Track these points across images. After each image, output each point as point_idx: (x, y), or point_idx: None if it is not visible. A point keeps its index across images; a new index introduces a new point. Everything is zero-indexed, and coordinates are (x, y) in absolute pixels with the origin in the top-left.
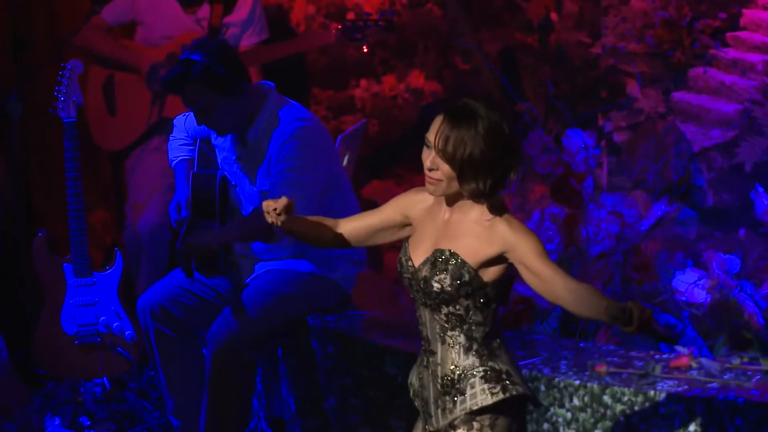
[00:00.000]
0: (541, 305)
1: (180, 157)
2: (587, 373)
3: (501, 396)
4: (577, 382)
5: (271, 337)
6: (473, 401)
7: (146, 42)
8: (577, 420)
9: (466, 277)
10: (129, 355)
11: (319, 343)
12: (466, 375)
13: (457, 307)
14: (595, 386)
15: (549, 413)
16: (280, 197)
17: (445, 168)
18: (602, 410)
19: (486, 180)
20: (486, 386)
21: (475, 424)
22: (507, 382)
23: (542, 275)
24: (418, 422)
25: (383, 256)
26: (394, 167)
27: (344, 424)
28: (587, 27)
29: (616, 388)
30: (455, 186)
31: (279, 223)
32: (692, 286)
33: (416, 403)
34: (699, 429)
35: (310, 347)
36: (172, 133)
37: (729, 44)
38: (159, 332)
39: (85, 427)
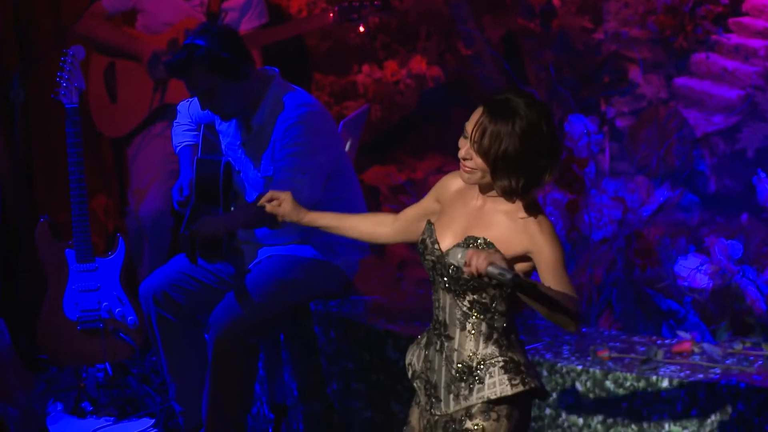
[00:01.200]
0: None
1: (184, 143)
2: (590, 358)
3: (521, 388)
4: (580, 368)
5: (273, 322)
6: (492, 390)
7: (147, 29)
8: (579, 405)
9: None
10: (131, 341)
11: (321, 328)
12: (485, 363)
13: (484, 295)
14: (598, 371)
15: (552, 398)
16: (285, 182)
17: (479, 161)
18: (604, 395)
19: (519, 179)
20: (506, 377)
21: (493, 414)
22: (525, 375)
23: (550, 285)
24: (414, 406)
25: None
26: (396, 153)
27: (346, 408)
28: (590, 12)
29: (618, 374)
30: (489, 179)
31: (278, 212)
32: (694, 271)
33: (416, 384)
34: (701, 414)
35: (312, 332)
36: (175, 119)
37: (731, 30)
38: (161, 318)
39: (88, 412)
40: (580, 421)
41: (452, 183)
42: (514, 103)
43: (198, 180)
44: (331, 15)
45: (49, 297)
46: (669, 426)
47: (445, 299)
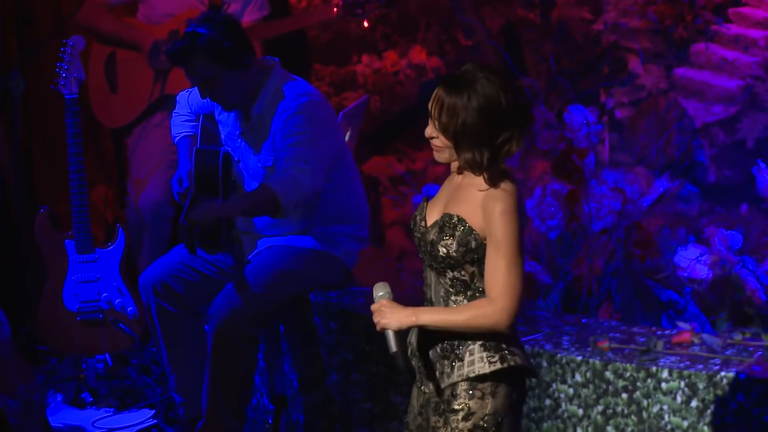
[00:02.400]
0: (543, 281)
1: (183, 133)
2: (589, 349)
3: (499, 366)
4: (579, 358)
5: (273, 313)
6: (471, 368)
7: (148, 20)
8: (579, 396)
9: (473, 244)
10: (131, 332)
11: (321, 319)
12: (465, 342)
13: (463, 272)
14: (597, 362)
15: (551, 389)
16: (287, 172)
17: (442, 137)
18: (604, 386)
19: (482, 151)
20: (485, 354)
21: (477, 393)
22: (506, 352)
23: (488, 265)
24: (414, 385)
25: (385, 232)
26: (396, 143)
27: (346, 399)
28: (589, 3)
29: (618, 364)
30: (459, 159)
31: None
32: (694, 262)
33: (413, 362)
34: (701, 405)
35: (312, 323)
36: (174, 109)
37: (731, 20)
38: (161, 308)
39: (88, 403)
40: (580, 411)
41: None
42: (469, 76)
43: (197, 171)
44: (335, 9)
45: (49, 288)
46: (669, 417)
47: (431, 277)
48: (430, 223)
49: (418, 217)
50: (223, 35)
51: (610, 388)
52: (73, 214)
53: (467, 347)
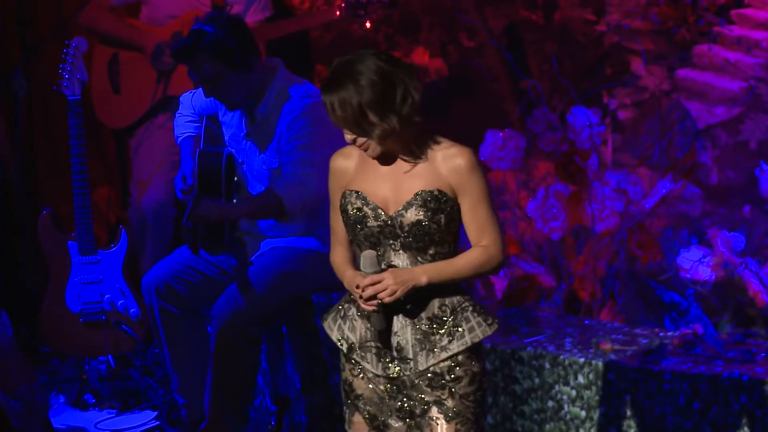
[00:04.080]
0: (545, 282)
1: (186, 134)
2: (592, 350)
3: (495, 326)
4: (582, 360)
5: (275, 314)
6: (473, 334)
7: (151, 21)
8: (581, 398)
9: (455, 213)
10: (134, 333)
11: None
12: (456, 310)
13: (444, 245)
14: (600, 364)
15: (554, 391)
16: (293, 175)
17: (359, 134)
18: (607, 388)
19: (390, 118)
20: (480, 318)
21: (473, 355)
22: (488, 311)
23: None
24: (355, 379)
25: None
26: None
27: None
28: (592, 4)
29: (620, 366)
30: (382, 140)
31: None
32: (697, 263)
33: (357, 356)
34: (703, 406)
35: (314, 324)
36: (178, 110)
37: (734, 21)
38: (164, 310)
39: (90, 404)
40: (583, 413)
41: (344, 164)
42: (337, 67)
43: (200, 172)
44: (338, 11)
45: (52, 289)
46: (671, 418)
47: (401, 258)
48: (395, 207)
49: (366, 208)
50: (228, 35)
51: (613, 389)
52: (75, 215)
53: (462, 315)
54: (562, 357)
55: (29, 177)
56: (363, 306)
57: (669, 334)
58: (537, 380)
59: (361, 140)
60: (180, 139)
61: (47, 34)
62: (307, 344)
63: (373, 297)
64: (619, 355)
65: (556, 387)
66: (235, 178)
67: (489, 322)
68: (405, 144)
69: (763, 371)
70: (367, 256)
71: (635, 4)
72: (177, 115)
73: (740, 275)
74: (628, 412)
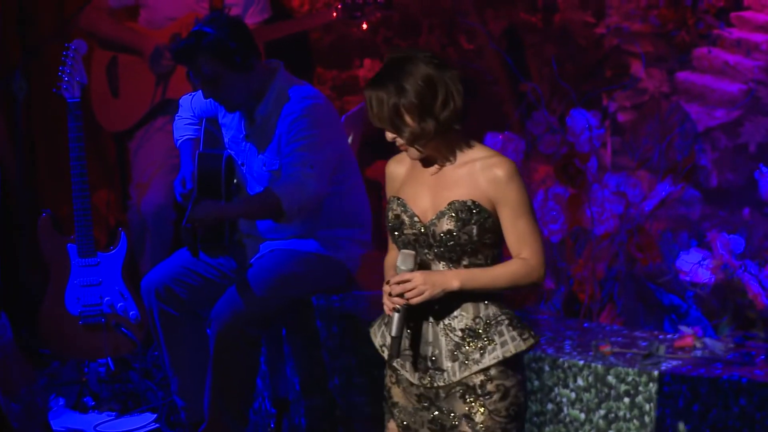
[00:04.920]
0: (545, 285)
1: (185, 137)
2: (591, 353)
3: (532, 341)
4: (582, 363)
5: (275, 316)
6: (505, 348)
7: (150, 24)
8: (581, 400)
9: (489, 223)
10: (133, 336)
11: (323, 322)
12: (491, 323)
13: (480, 257)
14: (600, 366)
15: (553, 393)
16: (293, 177)
17: (400, 135)
18: (606, 390)
19: (426, 125)
20: (515, 333)
21: (509, 371)
22: (528, 326)
23: (510, 233)
24: (392, 386)
25: (387, 235)
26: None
27: (348, 403)
28: (591, 6)
29: (620, 369)
30: (423, 142)
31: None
32: (696, 266)
33: (395, 364)
34: (703, 409)
35: (314, 327)
36: (177, 112)
37: (733, 24)
38: (163, 312)
39: (90, 407)
40: (582, 416)
41: (397, 169)
42: (387, 65)
43: (200, 174)
44: (335, 13)
45: (51, 291)
46: (671, 421)
47: (437, 269)
48: (431, 215)
49: (404, 216)
50: (228, 35)
51: (612, 392)
52: (75, 218)
53: (496, 328)
54: (561, 359)
55: (29, 179)
56: (385, 303)
57: (668, 336)
58: (536, 383)
59: (398, 141)
60: (179, 141)
61: (47, 35)
62: (307, 346)
63: (400, 296)
64: (619, 357)
65: (556, 389)
66: (235, 180)
67: (525, 336)
68: (445, 150)
69: (763, 374)
70: (405, 253)
71: (635, 6)
72: (176, 117)
73: (740, 278)
74: (628, 415)
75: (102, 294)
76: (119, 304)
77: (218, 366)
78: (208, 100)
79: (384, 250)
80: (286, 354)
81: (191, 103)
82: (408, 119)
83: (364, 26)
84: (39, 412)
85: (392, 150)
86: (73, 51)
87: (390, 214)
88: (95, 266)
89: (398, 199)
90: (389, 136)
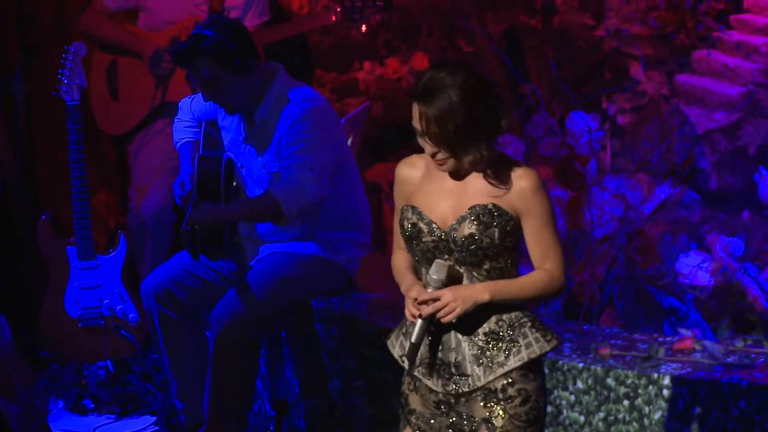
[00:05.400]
0: None
1: (185, 139)
2: (591, 355)
3: (555, 342)
4: (581, 365)
5: (274, 318)
6: (529, 350)
7: (149, 27)
8: (580, 403)
9: (510, 227)
10: (132, 338)
11: (323, 324)
12: (514, 326)
13: (500, 260)
14: (599, 369)
15: (552, 396)
16: (292, 179)
17: (442, 150)
18: (606, 393)
19: (480, 144)
20: (539, 334)
21: (530, 374)
22: (549, 328)
23: (533, 245)
24: (410, 394)
25: (387, 238)
26: (398, 150)
27: (348, 405)
28: (591, 9)
29: (619, 371)
30: (471, 159)
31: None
32: (696, 268)
33: (417, 373)
34: (702, 411)
35: (314, 329)
36: (177, 115)
37: (733, 27)
38: (163, 315)
39: (89, 409)
40: (582, 418)
41: (410, 172)
42: (438, 79)
43: (199, 177)
44: (334, 16)
45: (51, 294)
46: (670, 424)
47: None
48: (452, 221)
49: (421, 224)
50: (228, 38)
51: (612, 395)
52: (74, 220)
53: (518, 330)
54: (561, 362)
55: (29, 181)
56: (408, 311)
57: (668, 339)
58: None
59: (441, 156)
60: (179, 144)
61: (47, 36)
62: (307, 349)
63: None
64: (618, 360)
65: (555, 392)
66: (234, 183)
67: (548, 338)
68: (474, 160)
69: (762, 376)
70: (439, 263)
71: (634, 9)
72: (176, 120)
73: (739, 280)
74: (627, 418)
75: (101, 296)
76: (119, 307)
77: (218, 368)
78: (207, 102)
79: (384, 251)
80: (285, 356)
81: (191, 105)
82: (466, 140)
83: (364, 29)
84: (38, 413)
85: (392, 152)
86: (73, 54)
87: (406, 224)
88: (95, 269)
89: (412, 207)
90: (429, 149)
